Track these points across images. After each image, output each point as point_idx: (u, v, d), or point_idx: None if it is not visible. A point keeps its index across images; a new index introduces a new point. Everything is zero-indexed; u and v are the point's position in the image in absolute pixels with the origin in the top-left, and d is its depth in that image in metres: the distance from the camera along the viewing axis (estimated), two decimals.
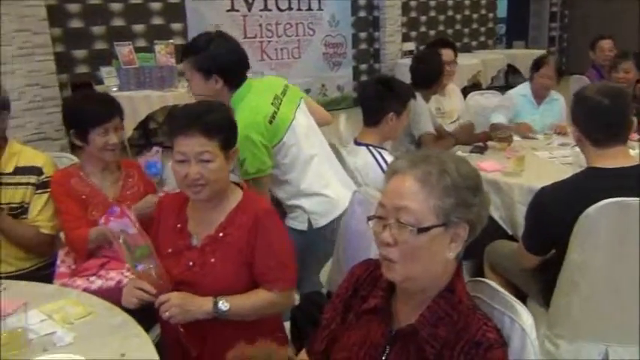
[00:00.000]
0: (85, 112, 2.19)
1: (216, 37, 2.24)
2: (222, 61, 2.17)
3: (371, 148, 2.57)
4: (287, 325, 1.98)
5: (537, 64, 3.87)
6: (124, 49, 6.36)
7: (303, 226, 2.33)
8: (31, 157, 2.27)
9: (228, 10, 7.99)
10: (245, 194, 1.80)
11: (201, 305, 1.62)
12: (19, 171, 2.21)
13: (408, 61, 4.60)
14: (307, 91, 8.96)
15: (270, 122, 2.23)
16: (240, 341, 1.25)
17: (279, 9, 8.46)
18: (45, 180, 2.22)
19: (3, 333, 1.44)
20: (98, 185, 2.22)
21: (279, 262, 1.71)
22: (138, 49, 6.59)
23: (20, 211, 2.20)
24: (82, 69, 7.00)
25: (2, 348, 1.43)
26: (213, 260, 1.71)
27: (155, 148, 2.43)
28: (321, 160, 2.38)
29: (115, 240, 1.62)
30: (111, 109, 2.22)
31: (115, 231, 1.60)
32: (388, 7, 9.37)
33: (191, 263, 1.73)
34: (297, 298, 2.14)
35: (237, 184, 1.83)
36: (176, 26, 7.69)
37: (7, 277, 1.99)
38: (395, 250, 1.20)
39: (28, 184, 2.21)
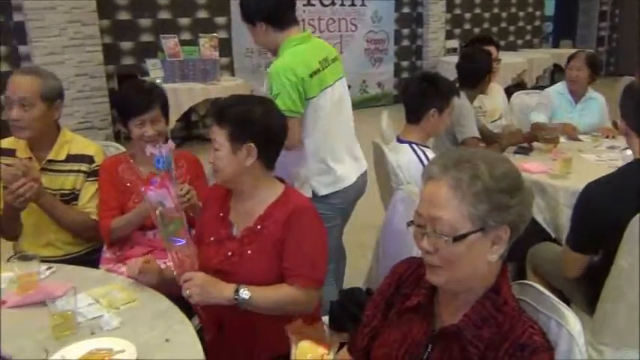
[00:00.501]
0: (124, 101, 2.24)
1: None
2: (259, 6, 2.32)
3: (414, 145, 2.55)
4: (325, 319, 1.99)
5: (568, 58, 3.79)
6: (169, 42, 6.48)
7: (309, 194, 2.37)
8: (82, 145, 2.32)
9: None
10: (286, 189, 1.81)
11: (222, 290, 1.63)
12: (70, 159, 2.27)
13: (450, 58, 4.55)
14: (348, 87, 8.93)
15: (311, 76, 2.32)
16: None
17: (322, 4, 8.46)
18: (95, 168, 2.28)
19: (54, 314, 1.48)
20: (145, 174, 2.23)
21: (308, 259, 1.71)
22: (183, 42, 6.70)
23: (71, 197, 2.26)
24: (129, 60, 7.15)
25: (54, 329, 1.48)
26: (249, 252, 1.74)
27: (170, 142, 2.27)
28: (340, 137, 2.47)
29: (152, 211, 1.65)
30: (148, 101, 2.17)
31: (153, 201, 1.63)
32: (432, 4, 9.27)
33: (230, 253, 1.76)
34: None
35: (280, 180, 1.84)
36: (220, 20, 7.78)
37: (55, 261, 2.05)
38: (435, 257, 1.20)
39: (79, 171, 2.27)
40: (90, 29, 6.15)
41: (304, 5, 8.31)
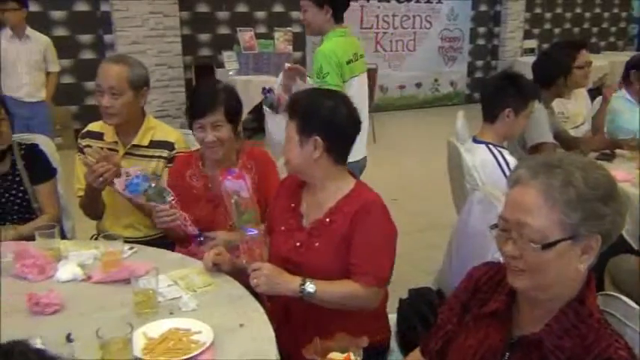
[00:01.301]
0: (190, 103, 2.16)
1: None
2: None
3: (490, 146, 2.49)
4: (392, 317, 1.98)
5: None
6: (245, 35, 6.61)
7: None
8: (165, 132, 2.41)
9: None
10: (357, 184, 1.81)
11: (288, 282, 1.65)
12: (153, 144, 2.35)
13: (528, 59, 4.38)
14: (419, 85, 8.85)
15: (347, 63, 2.88)
16: (315, 337, 1.30)
17: (397, 0, 8.39)
18: (176, 155, 2.35)
19: (137, 292, 1.55)
20: (212, 177, 2.19)
21: (373, 256, 1.69)
22: (258, 35, 6.83)
23: None
24: (205, 52, 7.34)
25: (136, 306, 1.55)
26: (317, 244, 1.75)
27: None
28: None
29: (228, 198, 1.69)
30: (209, 106, 2.05)
31: (229, 190, 1.67)
32: (511, 2, 9.01)
33: (298, 244, 1.78)
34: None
35: (352, 174, 1.85)
36: (295, 14, 7.84)
37: (135, 242, 2.13)
38: (520, 262, 1.16)
39: (160, 157, 2.35)
40: (170, 20, 6.37)
41: (379, 1, 8.27)
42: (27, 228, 2.29)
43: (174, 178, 2.23)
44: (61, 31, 6.47)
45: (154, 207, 2.02)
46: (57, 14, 6.49)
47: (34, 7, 6.14)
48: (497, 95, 2.52)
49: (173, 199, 2.00)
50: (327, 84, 2.77)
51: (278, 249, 1.80)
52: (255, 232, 1.70)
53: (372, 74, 6.79)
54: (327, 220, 1.75)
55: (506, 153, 2.48)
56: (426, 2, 8.61)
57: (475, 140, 2.60)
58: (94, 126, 2.45)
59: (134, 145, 2.35)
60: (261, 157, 2.25)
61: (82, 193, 2.33)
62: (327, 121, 1.71)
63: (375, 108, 6.87)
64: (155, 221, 2.05)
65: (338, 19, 2.92)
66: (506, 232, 1.18)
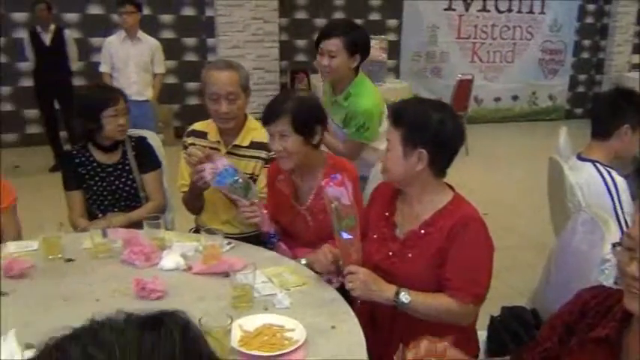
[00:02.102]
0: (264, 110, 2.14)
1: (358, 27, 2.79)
2: (365, 44, 2.70)
3: (598, 165, 2.36)
4: (481, 334, 1.93)
5: None
6: None
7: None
8: (264, 134, 2.48)
9: (445, 9, 7.94)
10: (455, 197, 1.77)
11: (383, 290, 1.64)
12: (253, 145, 2.43)
13: (636, 74, 4.12)
14: (515, 97, 8.58)
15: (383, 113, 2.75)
16: (400, 343, 1.27)
17: (498, 10, 8.19)
18: (273, 156, 2.42)
19: (235, 286, 1.61)
20: (298, 185, 2.21)
21: (469, 273, 1.66)
22: None
23: (251, 180, 2.43)
24: (301, 57, 7.50)
25: (233, 299, 1.61)
26: (410, 255, 1.73)
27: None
28: None
29: (328, 204, 1.71)
30: (274, 114, 2.02)
31: (331, 196, 1.70)
32: (621, 14, 8.54)
33: (391, 253, 1.77)
34: None
35: (449, 186, 1.82)
36: (391, 22, 7.86)
37: (231, 238, 2.21)
38: None
39: (259, 158, 2.43)
40: (270, 26, 6.55)
41: (478, 11, 8.11)
42: (136, 214, 2.46)
43: (269, 179, 2.29)
44: (168, 34, 6.84)
45: (237, 201, 2.10)
46: (166, 18, 6.86)
47: (145, 11, 6.53)
48: (612, 111, 2.39)
49: (257, 199, 2.07)
50: (365, 139, 2.71)
51: (370, 256, 1.81)
52: (352, 237, 1.71)
53: (466, 84, 6.68)
54: (422, 231, 1.74)
55: (614, 173, 2.35)
56: (527, 13, 8.34)
57: (580, 158, 2.48)
58: (199, 125, 2.56)
59: (235, 145, 2.44)
60: (344, 168, 2.16)
61: (185, 189, 2.45)
62: (435, 134, 1.67)
63: (468, 119, 6.73)
64: (238, 215, 2.14)
65: (358, 69, 2.73)
66: (632, 252, 1.13)
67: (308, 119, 2.04)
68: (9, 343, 1.34)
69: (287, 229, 2.24)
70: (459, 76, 6.71)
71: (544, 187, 2.87)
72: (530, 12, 8.34)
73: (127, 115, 2.52)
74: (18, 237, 2.24)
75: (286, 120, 2.00)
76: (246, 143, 2.44)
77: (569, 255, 1.85)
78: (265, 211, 2.13)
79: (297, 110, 2.01)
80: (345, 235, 1.71)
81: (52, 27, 5.61)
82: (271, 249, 2.12)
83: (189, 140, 2.51)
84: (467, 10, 8.06)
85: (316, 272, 1.85)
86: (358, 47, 2.64)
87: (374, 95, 2.74)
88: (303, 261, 2.02)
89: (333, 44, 2.60)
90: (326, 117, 2.20)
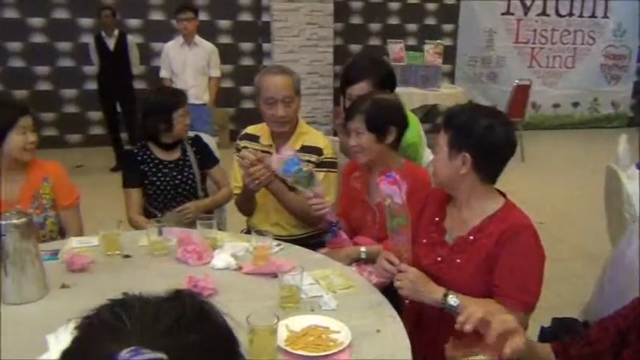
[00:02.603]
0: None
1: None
2: (391, 79, 2.57)
3: None
4: None
5: None
6: (395, 47, 6.67)
7: None
8: (315, 138, 2.52)
9: (502, 14, 7.81)
10: (506, 204, 1.75)
11: (431, 291, 1.64)
12: (304, 149, 2.47)
13: None
14: (575, 104, 8.33)
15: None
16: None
17: (558, 14, 7.98)
18: (323, 160, 2.45)
19: (283, 287, 1.65)
20: (371, 183, 2.24)
21: (518, 281, 1.63)
22: (408, 48, 6.85)
23: None
24: None
25: (281, 299, 1.65)
26: (459, 261, 1.73)
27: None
28: None
29: (382, 200, 1.74)
30: (351, 113, 2.18)
31: (384, 193, 1.72)
32: None
33: (439, 258, 1.77)
34: None
35: (501, 193, 1.80)
36: (447, 27, 7.78)
37: (280, 240, 2.25)
38: None
39: (309, 161, 2.46)
40: (325, 31, 6.61)
41: (537, 15, 7.93)
42: (219, 196, 2.70)
43: (345, 175, 2.36)
44: (225, 39, 7.00)
45: (305, 195, 2.16)
46: (223, 23, 7.03)
47: (203, 17, 6.72)
48: None
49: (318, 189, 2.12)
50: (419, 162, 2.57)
51: (418, 260, 1.81)
52: (403, 237, 1.73)
53: (523, 90, 6.53)
54: (471, 237, 1.73)
55: None
56: (589, 17, 8.09)
57: (639, 167, 2.41)
58: (251, 129, 2.63)
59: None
60: (418, 176, 2.12)
61: (237, 191, 2.52)
62: (480, 139, 1.67)
63: (525, 126, 6.59)
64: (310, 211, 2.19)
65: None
66: None
67: (381, 119, 2.14)
68: (69, 332, 1.42)
69: (356, 224, 2.29)
70: (516, 81, 6.58)
71: (601, 197, 2.79)
72: (593, 16, 8.09)
73: (189, 115, 2.68)
74: (80, 233, 2.35)
75: (361, 118, 2.13)
76: (297, 147, 2.47)
77: (624, 267, 1.80)
78: (328, 200, 2.18)
79: (371, 110, 2.13)
80: (397, 234, 1.73)
81: (116, 32, 5.85)
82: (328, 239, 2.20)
83: (242, 143, 2.57)
84: (526, 14, 7.89)
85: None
86: (387, 84, 2.51)
87: (414, 125, 2.54)
88: (363, 248, 2.10)
89: (360, 88, 2.42)
90: (404, 118, 2.22)
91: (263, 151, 2.42)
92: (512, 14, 7.83)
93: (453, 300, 1.61)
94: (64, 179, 2.36)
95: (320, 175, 2.44)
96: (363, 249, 2.11)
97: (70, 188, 2.37)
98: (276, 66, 2.61)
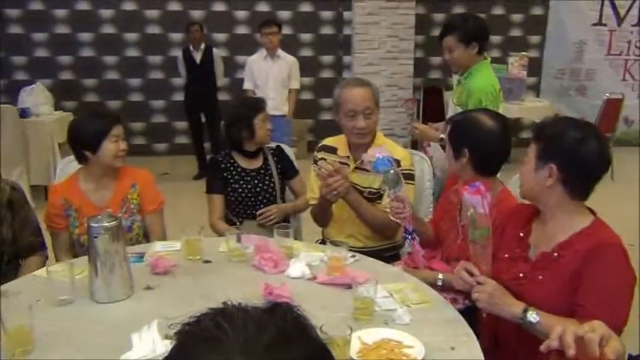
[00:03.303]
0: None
1: (471, 17, 3.10)
2: (481, 31, 2.98)
3: None
4: None
5: None
6: None
7: None
8: (393, 149, 2.50)
9: (593, 24, 7.47)
10: (596, 221, 1.68)
11: (510, 305, 1.59)
12: None
13: None
14: None
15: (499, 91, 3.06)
16: None
17: None
18: (401, 172, 2.43)
19: (356, 298, 1.65)
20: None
21: (605, 301, 1.54)
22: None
23: (376, 196, 2.47)
24: (435, 74, 7.44)
25: (354, 311, 1.65)
26: (541, 277, 1.67)
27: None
28: None
29: (465, 211, 1.71)
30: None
31: (467, 203, 1.69)
32: None
33: (521, 274, 1.72)
34: None
35: (591, 210, 1.72)
36: (534, 39, 7.55)
37: (355, 251, 2.26)
38: None
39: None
40: (405, 44, 6.57)
41: (633, 25, 7.53)
42: (287, 205, 2.80)
43: (448, 183, 2.35)
44: (307, 52, 7.13)
45: (388, 197, 2.15)
46: (305, 37, 7.17)
47: (287, 30, 6.88)
48: None
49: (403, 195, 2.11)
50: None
51: (498, 275, 1.76)
52: (484, 247, 1.69)
53: (615, 104, 6.21)
54: (555, 254, 1.66)
55: None
56: None
57: None
58: (329, 140, 2.66)
59: (363, 161, 2.49)
60: (510, 204, 2.06)
61: (314, 202, 2.55)
62: (569, 151, 1.62)
63: (615, 142, 6.25)
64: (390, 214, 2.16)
65: (482, 50, 3.01)
66: None
67: (463, 137, 2.12)
68: (152, 331, 1.49)
69: (442, 236, 2.27)
70: (607, 95, 6.27)
71: None
72: None
73: (269, 120, 2.78)
74: (163, 237, 2.46)
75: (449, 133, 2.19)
76: (373, 159, 2.48)
77: None
78: (409, 208, 2.14)
79: (454, 128, 2.16)
80: (477, 245, 1.69)
81: (203, 46, 6.10)
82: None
83: (320, 155, 2.60)
84: (619, 24, 7.51)
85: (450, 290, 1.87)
86: (473, 37, 2.93)
87: (489, 77, 3.01)
88: (440, 276, 2.05)
89: (449, 41, 2.94)
90: (480, 142, 2.11)
91: (341, 163, 2.44)
92: (605, 25, 7.47)
93: (532, 316, 1.56)
94: (151, 186, 2.48)
95: None
96: (440, 276, 2.04)
97: (155, 194, 2.49)
98: (356, 78, 2.64)
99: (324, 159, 2.52)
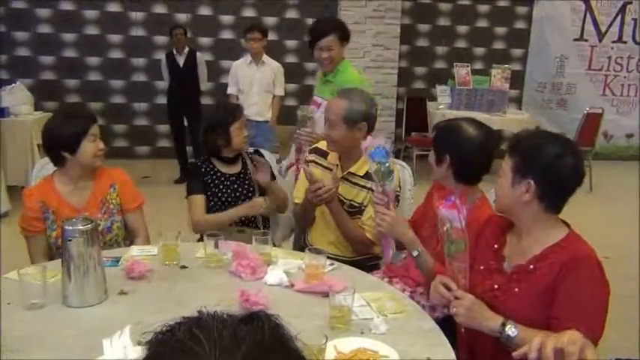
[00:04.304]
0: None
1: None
2: (349, 33, 3.26)
3: None
4: None
5: None
6: (461, 70, 6.60)
7: None
8: None
9: (575, 39, 7.58)
10: (570, 234, 1.69)
11: (488, 319, 1.59)
12: (368, 176, 2.43)
13: None
14: None
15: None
16: None
17: (635, 42, 7.67)
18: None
19: (333, 307, 1.64)
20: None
21: (580, 314, 1.55)
22: (474, 72, 6.76)
23: (356, 210, 2.47)
24: (419, 85, 7.49)
25: (330, 319, 1.64)
26: (516, 290, 1.67)
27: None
28: None
29: (441, 225, 1.70)
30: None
31: (442, 217, 1.69)
32: None
33: (496, 286, 1.72)
34: None
35: (565, 222, 1.73)
36: (516, 52, 7.64)
37: (335, 259, 2.25)
38: None
39: (371, 189, 2.45)
40: (390, 53, 6.62)
41: (613, 42, 7.70)
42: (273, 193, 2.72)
43: (433, 189, 2.31)
44: (292, 58, 7.13)
45: (375, 188, 2.13)
46: (291, 43, 7.17)
47: (272, 36, 6.87)
48: None
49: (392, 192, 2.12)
50: None
51: (474, 287, 1.76)
52: (460, 262, 1.69)
53: (595, 118, 6.29)
54: (531, 267, 1.67)
55: None
56: None
57: None
58: (323, 144, 2.65)
59: (350, 172, 2.49)
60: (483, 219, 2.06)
61: (298, 201, 2.57)
62: (547, 167, 1.62)
63: (594, 155, 6.34)
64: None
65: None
66: None
67: (441, 146, 2.13)
68: (124, 337, 1.46)
69: (422, 239, 2.20)
70: (587, 109, 6.36)
71: None
72: None
73: (247, 128, 2.74)
74: (146, 234, 2.43)
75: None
76: (361, 173, 2.48)
77: None
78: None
79: (436, 134, 2.18)
80: (454, 260, 1.69)
81: (187, 50, 6.07)
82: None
83: (311, 157, 2.62)
84: (600, 40, 7.63)
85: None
86: (347, 37, 3.23)
87: (355, 72, 3.29)
88: (420, 248, 1.97)
89: (331, 40, 3.10)
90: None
91: (327, 168, 2.48)
92: (586, 40, 7.60)
93: (511, 330, 1.55)
94: (130, 184, 2.45)
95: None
96: (419, 248, 1.98)
97: (135, 192, 2.46)
98: (346, 89, 2.63)
99: (315, 162, 2.55)
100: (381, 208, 2.04)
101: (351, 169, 2.49)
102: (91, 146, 2.25)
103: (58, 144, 2.24)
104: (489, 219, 1.91)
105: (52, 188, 2.30)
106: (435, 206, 1.73)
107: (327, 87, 3.24)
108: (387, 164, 2.08)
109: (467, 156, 2.06)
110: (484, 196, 2.19)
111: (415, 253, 1.95)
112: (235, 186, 2.70)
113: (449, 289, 1.67)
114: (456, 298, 1.63)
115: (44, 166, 2.56)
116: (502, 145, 7.05)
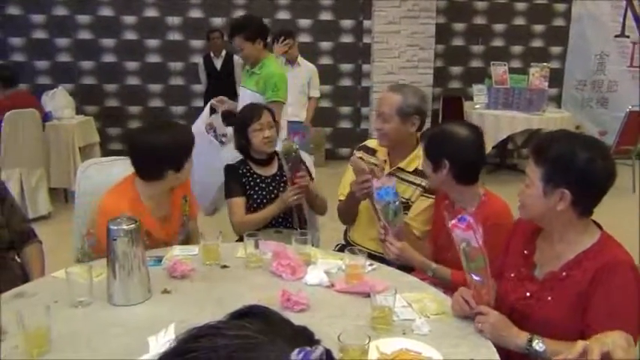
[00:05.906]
0: None
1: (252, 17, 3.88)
2: (264, 29, 3.69)
3: None
4: None
5: None
6: (498, 69, 6.49)
7: None
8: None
9: (616, 36, 7.38)
10: (602, 238, 1.63)
11: (514, 336, 1.56)
12: (417, 172, 2.45)
13: None
14: None
15: None
16: None
17: None
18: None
19: (375, 307, 1.63)
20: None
21: (617, 322, 1.47)
22: (512, 70, 6.65)
23: (404, 206, 2.44)
24: (455, 84, 7.40)
25: (372, 320, 1.63)
26: (549, 298, 1.63)
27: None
28: None
29: (457, 245, 1.68)
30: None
31: (458, 238, 1.66)
32: None
33: (528, 294, 1.69)
34: None
35: (597, 224, 1.68)
36: (555, 50, 7.49)
37: (376, 256, 2.25)
38: None
39: (419, 185, 2.44)
40: (425, 53, 6.56)
41: None
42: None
43: (437, 199, 2.33)
44: (327, 60, 7.14)
45: (380, 224, 2.22)
46: (325, 45, 7.18)
47: (307, 39, 6.91)
48: None
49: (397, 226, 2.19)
50: (279, 98, 3.56)
51: (506, 296, 1.73)
52: (480, 279, 1.66)
53: (637, 116, 6.11)
54: (564, 273, 1.63)
55: None
56: None
57: None
58: (371, 142, 2.67)
59: (399, 168, 2.49)
60: (497, 209, 2.11)
61: (342, 198, 2.59)
62: (580, 174, 1.56)
63: (638, 154, 6.16)
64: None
65: (266, 45, 3.73)
66: None
67: (436, 153, 2.14)
68: (169, 335, 1.48)
69: (439, 251, 2.25)
70: (630, 107, 6.18)
71: None
72: None
73: (272, 127, 2.71)
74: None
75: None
76: (410, 169, 2.48)
77: None
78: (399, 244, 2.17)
79: (428, 143, 2.18)
80: (475, 277, 1.67)
81: (223, 53, 6.14)
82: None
83: (359, 154, 2.62)
84: None
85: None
86: (257, 34, 3.58)
87: (278, 67, 3.77)
88: (433, 266, 2.16)
89: (237, 40, 3.59)
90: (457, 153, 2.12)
91: (376, 165, 2.48)
92: (627, 36, 7.38)
93: (538, 345, 1.52)
94: (191, 192, 2.46)
95: (425, 203, 2.41)
96: (433, 266, 2.15)
97: (194, 199, 2.49)
98: (398, 84, 2.66)
99: (362, 159, 2.54)
100: (389, 237, 2.17)
101: (400, 165, 2.49)
102: (189, 165, 2.25)
103: (167, 160, 2.16)
104: (518, 224, 1.86)
105: (140, 205, 2.17)
106: (448, 228, 1.69)
107: (252, 78, 3.68)
108: (396, 202, 2.18)
109: (465, 157, 2.08)
110: (486, 190, 2.19)
111: (430, 274, 2.12)
112: (271, 188, 2.71)
113: (468, 303, 1.65)
114: (481, 313, 1.61)
115: (87, 168, 2.61)
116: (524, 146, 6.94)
